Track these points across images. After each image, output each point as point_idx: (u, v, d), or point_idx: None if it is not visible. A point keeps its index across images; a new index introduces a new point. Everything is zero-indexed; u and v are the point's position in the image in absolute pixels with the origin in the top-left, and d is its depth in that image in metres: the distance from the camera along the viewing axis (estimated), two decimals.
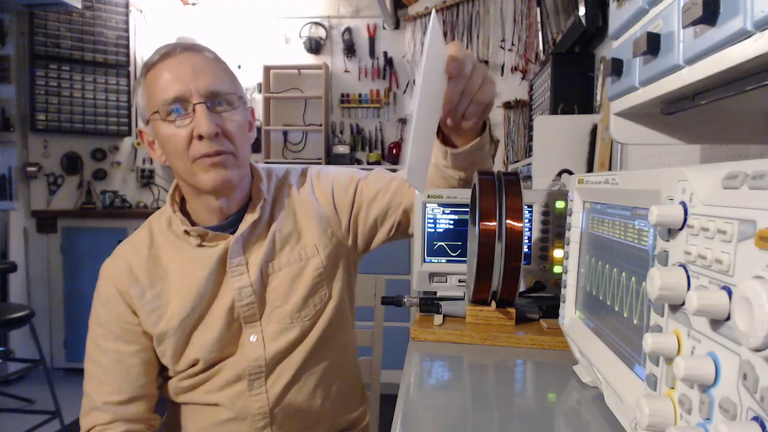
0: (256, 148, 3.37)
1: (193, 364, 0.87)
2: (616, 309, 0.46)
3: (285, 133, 3.61)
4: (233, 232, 0.88)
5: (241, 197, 0.89)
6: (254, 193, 0.91)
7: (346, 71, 3.57)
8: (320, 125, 3.51)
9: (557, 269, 0.84)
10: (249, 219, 0.88)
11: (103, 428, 0.86)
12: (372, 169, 0.99)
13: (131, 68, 3.51)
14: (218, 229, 0.88)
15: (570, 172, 1.55)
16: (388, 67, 3.52)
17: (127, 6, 3.46)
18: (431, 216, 0.87)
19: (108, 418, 0.86)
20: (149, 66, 0.83)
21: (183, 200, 0.92)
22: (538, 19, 2.68)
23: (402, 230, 0.94)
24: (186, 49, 0.83)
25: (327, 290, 0.92)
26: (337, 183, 0.96)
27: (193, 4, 3.56)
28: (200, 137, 0.79)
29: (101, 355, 0.88)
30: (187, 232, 0.87)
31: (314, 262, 0.90)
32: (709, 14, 0.41)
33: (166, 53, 0.82)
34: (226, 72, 0.85)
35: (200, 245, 0.87)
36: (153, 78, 0.82)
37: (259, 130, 3.39)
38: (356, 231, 0.95)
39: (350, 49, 3.53)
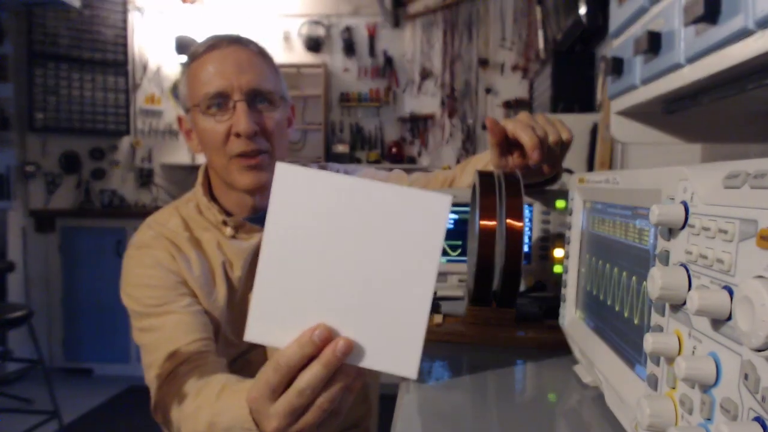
0: None
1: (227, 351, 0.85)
2: (617, 309, 0.46)
3: None
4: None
5: None
6: None
7: (346, 70, 3.57)
8: (319, 124, 3.50)
9: (557, 269, 0.83)
10: None
11: (189, 351, 0.74)
12: (391, 170, 1.01)
13: (129, 67, 3.51)
14: (251, 222, 0.86)
15: (570, 172, 1.55)
16: (387, 66, 3.52)
17: (125, 4, 3.46)
18: None
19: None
20: (194, 56, 0.83)
21: (210, 186, 0.90)
22: (539, 17, 2.68)
23: None
24: (232, 42, 0.82)
25: None
26: None
27: (192, 3, 3.55)
28: (238, 135, 0.79)
29: (169, 306, 0.78)
30: (225, 223, 0.85)
31: None
32: (711, 13, 0.40)
33: (212, 45, 0.81)
34: (270, 69, 0.84)
35: (233, 237, 0.85)
36: (197, 69, 0.81)
37: None
38: None
39: (349, 48, 3.53)
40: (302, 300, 0.43)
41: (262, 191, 0.84)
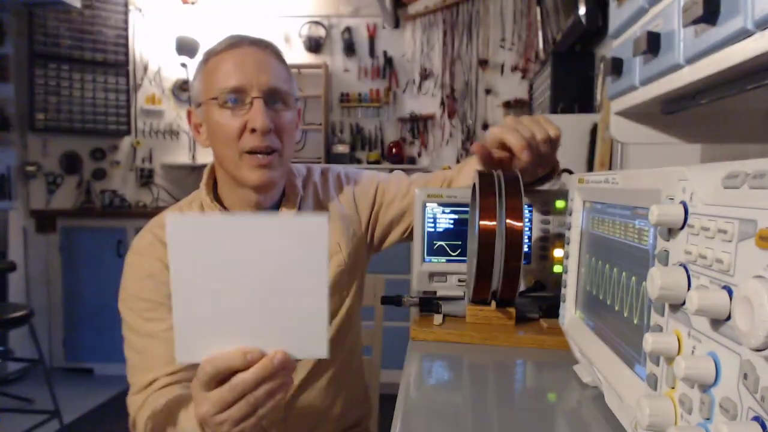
0: None
1: None
2: (617, 309, 0.46)
3: None
4: None
5: (278, 193, 0.91)
6: (289, 189, 0.93)
7: (346, 70, 3.57)
8: (320, 125, 3.50)
9: (557, 269, 0.83)
10: (286, 214, 0.89)
11: (165, 381, 0.79)
12: (391, 171, 1.04)
13: (130, 67, 3.50)
14: None
15: (570, 172, 1.54)
16: (387, 67, 3.52)
17: (126, 5, 3.46)
18: (431, 216, 0.87)
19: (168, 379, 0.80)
20: (213, 53, 0.85)
21: (215, 185, 0.92)
22: (538, 18, 2.68)
23: None
24: (254, 43, 0.85)
25: (346, 288, 0.94)
26: (359, 184, 1.00)
27: (193, 3, 3.55)
28: (253, 130, 0.81)
29: (153, 325, 0.82)
30: None
31: (336, 259, 0.92)
32: (710, 13, 0.41)
33: (233, 44, 0.84)
34: (286, 72, 0.88)
35: None
36: (216, 64, 0.83)
37: None
38: (373, 230, 0.99)
39: (350, 49, 3.53)
40: (221, 323, 0.51)
41: (267, 189, 0.87)
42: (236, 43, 0.84)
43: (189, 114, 0.91)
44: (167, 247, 0.48)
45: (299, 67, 3.50)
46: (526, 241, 0.83)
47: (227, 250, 0.48)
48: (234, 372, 0.52)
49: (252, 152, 0.81)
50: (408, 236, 0.99)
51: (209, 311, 0.50)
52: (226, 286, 0.49)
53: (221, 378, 0.53)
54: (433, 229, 0.87)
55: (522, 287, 0.82)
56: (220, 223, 0.50)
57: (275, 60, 0.86)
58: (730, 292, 0.28)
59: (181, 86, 3.56)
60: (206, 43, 0.83)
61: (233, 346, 0.51)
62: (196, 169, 3.55)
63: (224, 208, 0.88)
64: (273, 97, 0.83)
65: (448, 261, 0.86)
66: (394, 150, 3.50)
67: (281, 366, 0.52)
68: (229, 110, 0.81)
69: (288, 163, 0.89)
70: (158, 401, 0.75)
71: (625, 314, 0.44)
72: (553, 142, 0.75)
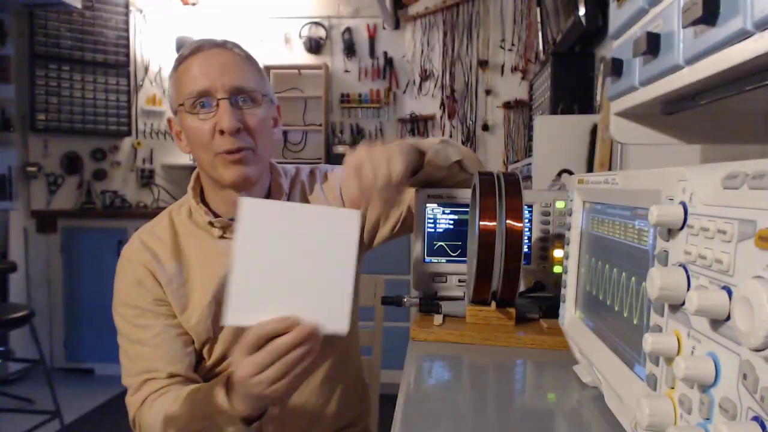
0: None
1: (219, 356, 0.88)
2: (616, 309, 0.46)
3: (285, 133, 3.61)
4: None
5: (261, 191, 0.91)
6: (274, 187, 0.93)
7: (346, 71, 3.57)
8: (320, 125, 3.51)
9: (557, 269, 0.84)
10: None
11: (161, 383, 0.83)
12: None
13: (131, 68, 3.51)
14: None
15: (570, 172, 1.55)
16: (388, 67, 3.52)
17: (127, 6, 3.46)
18: (431, 216, 0.87)
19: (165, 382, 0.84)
20: (180, 59, 0.86)
21: (202, 191, 0.93)
22: (538, 18, 2.68)
23: (407, 226, 0.97)
24: (216, 45, 0.85)
25: None
26: None
27: (193, 4, 3.56)
28: (222, 132, 0.81)
29: (142, 332, 0.85)
30: (211, 223, 0.88)
31: None
32: (709, 14, 0.41)
33: (197, 48, 0.85)
34: (254, 70, 0.87)
35: (222, 237, 0.88)
36: (182, 71, 0.85)
37: None
38: (362, 227, 0.98)
39: (350, 49, 3.53)
40: (266, 294, 0.59)
41: (246, 186, 0.87)
42: (199, 47, 0.85)
43: (170, 122, 0.92)
44: (237, 224, 0.56)
45: (299, 67, 3.50)
46: (526, 241, 0.83)
47: (283, 230, 0.58)
48: (273, 338, 0.59)
49: (225, 152, 0.82)
50: (398, 232, 0.98)
51: (259, 283, 0.58)
52: (276, 261, 0.58)
53: (262, 343, 0.60)
54: (433, 230, 0.87)
55: (522, 287, 0.83)
56: (280, 206, 0.62)
57: (240, 60, 0.85)
58: (729, 293, 0.28)
59: None
60: None
61: (273, 315, 0.59)
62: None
63: (210, 210, 0.89)
64: (240, 97, 0.83)
65: (448, 261, 0.87)
66: None
67: (312, 333, 0.59)
68: (198, 114, 0.82)
69: (266, 160, 0.89)
70: (165, 402, 0.79)
71: (625, 314, 0.45)
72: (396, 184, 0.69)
